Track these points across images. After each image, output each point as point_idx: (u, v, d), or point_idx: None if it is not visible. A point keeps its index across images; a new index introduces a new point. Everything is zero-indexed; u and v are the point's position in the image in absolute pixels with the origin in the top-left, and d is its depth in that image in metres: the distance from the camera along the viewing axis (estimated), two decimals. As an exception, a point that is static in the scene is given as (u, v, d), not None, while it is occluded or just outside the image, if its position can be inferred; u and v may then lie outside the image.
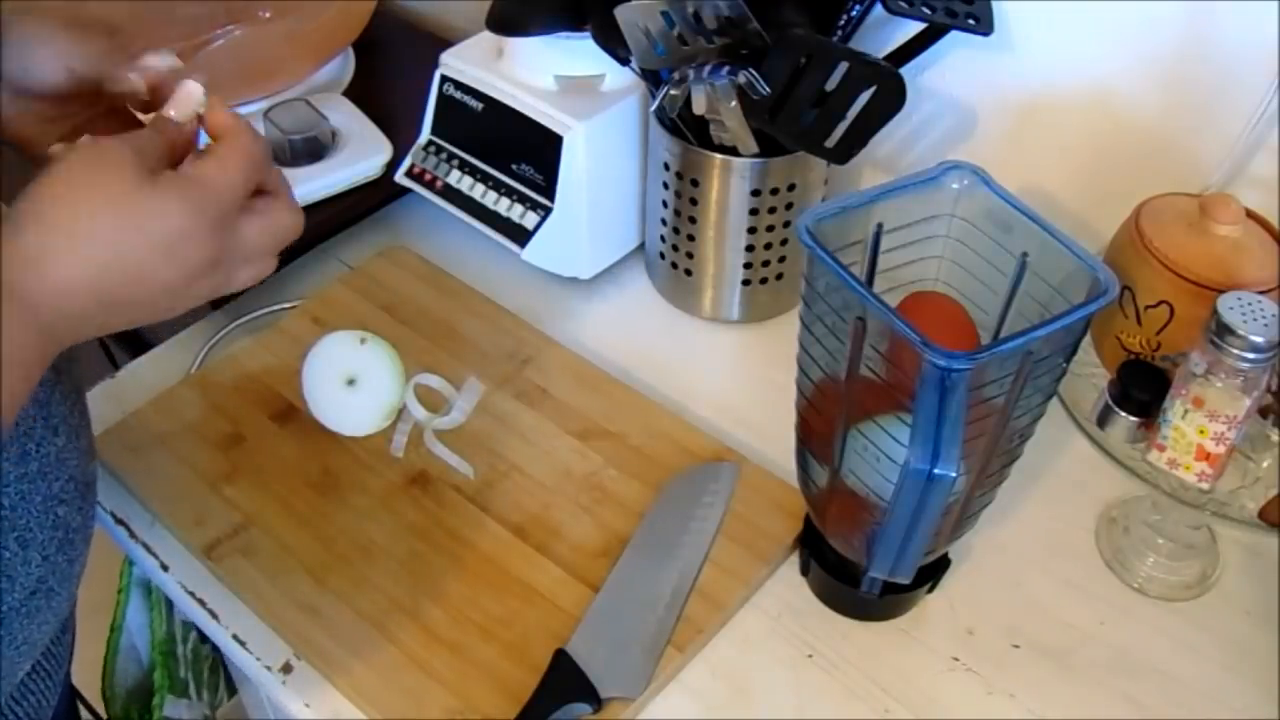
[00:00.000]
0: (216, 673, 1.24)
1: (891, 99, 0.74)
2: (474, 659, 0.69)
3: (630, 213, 0.95)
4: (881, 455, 0.62)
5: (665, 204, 0.89)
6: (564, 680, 0.67)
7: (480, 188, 0.93)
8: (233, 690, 1.22)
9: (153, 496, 0.78)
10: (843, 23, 0.83)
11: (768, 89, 0.76)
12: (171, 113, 0.56)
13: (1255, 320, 0.66)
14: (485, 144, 0.93)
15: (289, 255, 0.96)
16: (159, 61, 0.59)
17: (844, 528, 0.70)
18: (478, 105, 0.92)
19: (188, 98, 0.57)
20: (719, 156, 0.83)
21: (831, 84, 0.75)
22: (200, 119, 0.58)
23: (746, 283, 0.90)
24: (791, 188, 0.85)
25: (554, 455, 0.81)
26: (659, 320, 0.94)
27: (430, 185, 0.96)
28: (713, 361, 0.91)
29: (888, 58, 0.84)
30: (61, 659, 0.71)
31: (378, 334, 0.80)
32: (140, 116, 0.60)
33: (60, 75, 0.60)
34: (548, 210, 0.90)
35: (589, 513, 0.77)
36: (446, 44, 0.96)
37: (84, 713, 1.04)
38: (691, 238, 0.89)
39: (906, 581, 0.68)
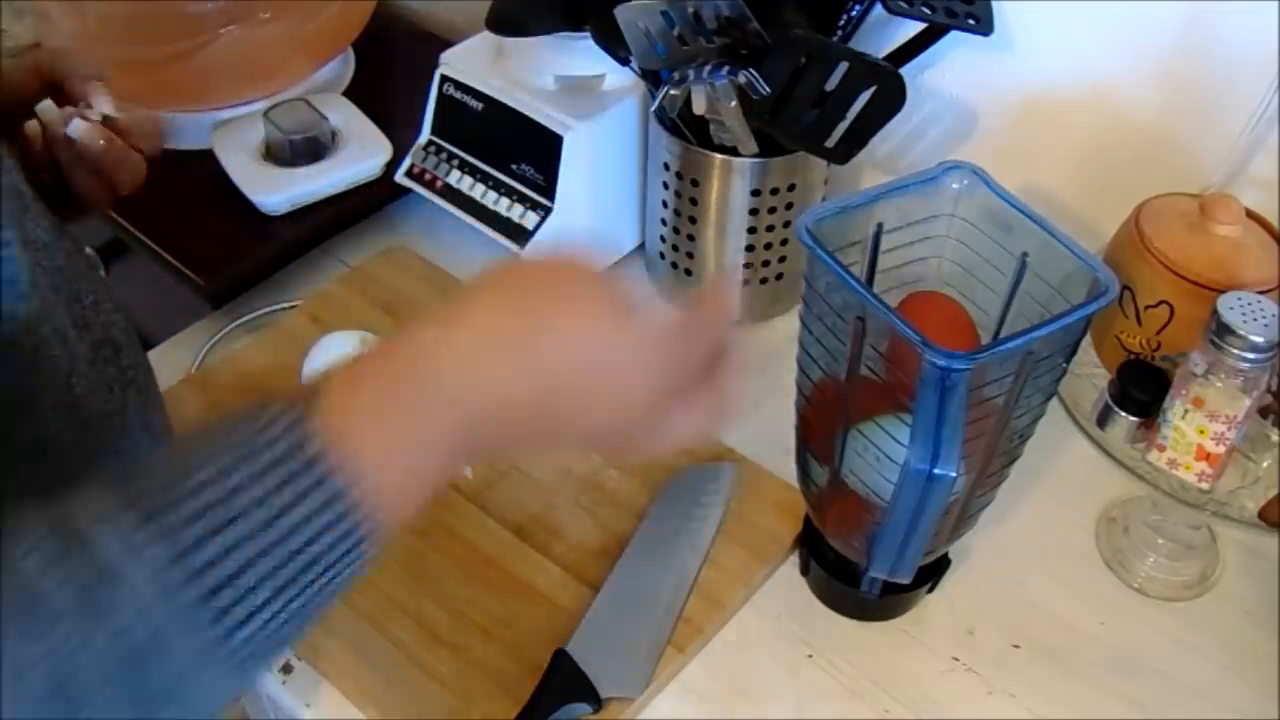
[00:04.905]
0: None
1: (891, 99, 0.74)
2: (474, 659, 0.69)
3: (630, 213, 0.95)
4: (881, 455, 0.62)
5: (665, 204, 0.89)
6: (564, 680, 0.67)
7: (480, 188, 0.93)
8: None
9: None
10: (843, 23, 0.83)
11: (768, 89, 0.76)
12: None
13: (1255, 320, 0.66)
14: (485, 144, 0.93)
15: (290, 254, 0.97)
16: None
17: (844, 528, 0.70)
18: (478, 105, 0.92)
19: None
20: (719, 156, 0.83)
21: (831, 84, 0.75)
22: None
23: (746, 283, 0.90)
24: (791, 188, 0.85)
25: (554, 455, 0.81)
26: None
27: (430, 185, 0.96)
28: (713, 361, 0.91)
29: (888, 58, 0.84)
30: None
31: (378, 334, 0.80)
32: None
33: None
34: (548, 210, 0.90)
35: (589, 513, 0.77)
36: (446, 44, 0.96)
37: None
38: (691, 238, 0.89)
39: (906, 581, 0.68)
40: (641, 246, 0.97)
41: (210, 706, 0.38)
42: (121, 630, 0.34)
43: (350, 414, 0.40)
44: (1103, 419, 0.79)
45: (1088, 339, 0.84)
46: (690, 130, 0.84)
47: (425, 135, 0.97)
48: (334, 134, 1.00)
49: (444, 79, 0.94)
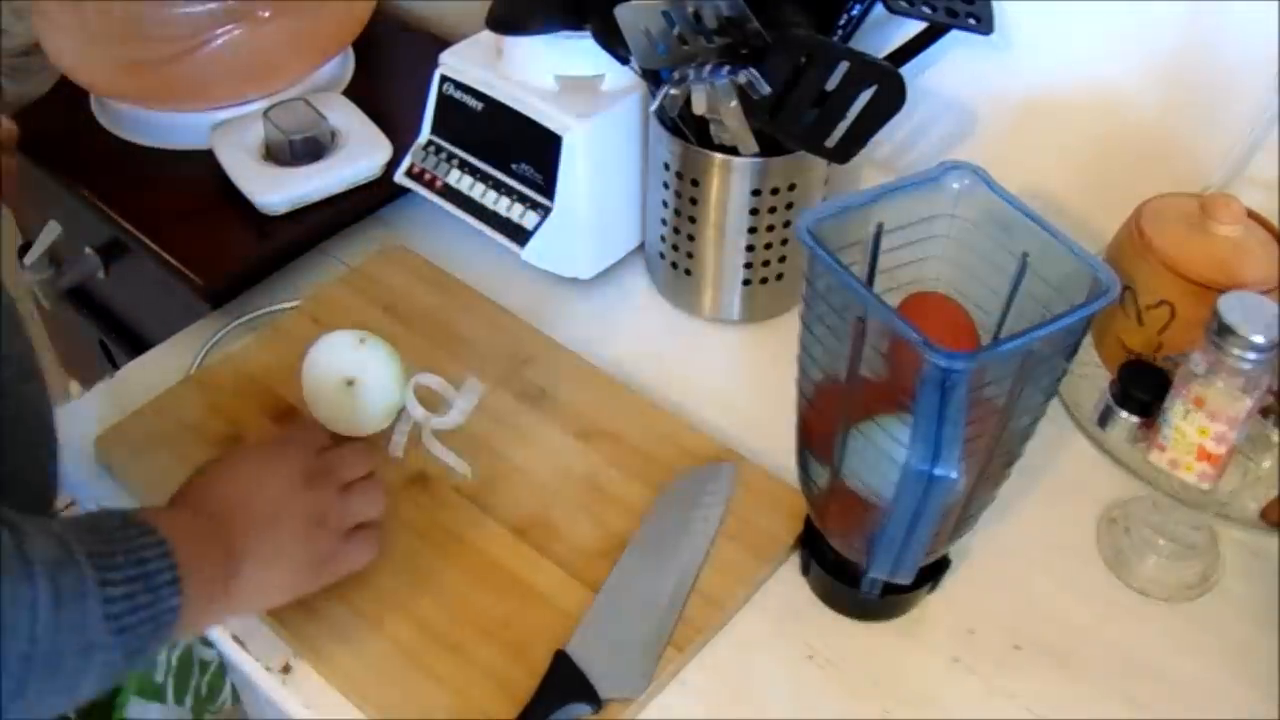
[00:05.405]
0: (221, 676, 1.24)
1: (891, 99, 0.74)
2: (474, 659, 0.69)
3: (630, 213, 0.95)
4: (882, 455, 0.62)
5: (665, 204, 0.89)
6: (564, 681, 0.67)
7: (480, 187, 0.93)
8: (236, 693, 1.22)
9: (153, 497, 0.78)
10: (843, 23, 0.83)
11: (768, 89, 0.76)
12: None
13: (1256, 320, 0.66)
14: (485, 144, 0.93)
15: (290, 254, 0.97)
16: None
17: (844, 528, 0.70)
18: (478, 105, 0.92)
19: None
20: (719, 156, 0.83)
21: (831, 84, 0.75)
22: None
23: (747, 283, 0.90)
24: (791, 188, 0.85)
25: (554, 455, 0.81)
26: (659, 320, 0.94)
27: (430, 185, 0.96)
28: (713, 361, 0.91)
29: (888, 58, 0.84)
30: None
31: (377, 334, 0.80)
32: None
33: None
34: (547, 210, 0.90)
35: (589, 513, 0.77)
36: (446, 44, 0.96)
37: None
38: (691, 238, 0.89)
39: (907, 582, 0.68)
40: (641, 246, 0.97)
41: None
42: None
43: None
44: (1103, 419, 0.78)
45: (1088, 339, 0.84)
46: (690, 130, 0.84)
47: (425, 135, 0.97)
48: (334, 134, 1.00)
49: (444, 79, 0.94)
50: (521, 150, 0.90)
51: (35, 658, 0.50)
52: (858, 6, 0.82)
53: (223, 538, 0.62)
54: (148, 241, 0.95)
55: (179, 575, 0.56)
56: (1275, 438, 0.75)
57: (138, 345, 1.08)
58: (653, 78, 0.81)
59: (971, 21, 0.81)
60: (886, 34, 0.88)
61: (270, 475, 0.66)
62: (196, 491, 0.65)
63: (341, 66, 1.13)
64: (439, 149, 0.96)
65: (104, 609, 0.52)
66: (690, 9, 0.73)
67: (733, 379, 0.90)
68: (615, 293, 0.96)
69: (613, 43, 0.80)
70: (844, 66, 0.74)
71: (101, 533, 0.55)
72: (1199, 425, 0.70)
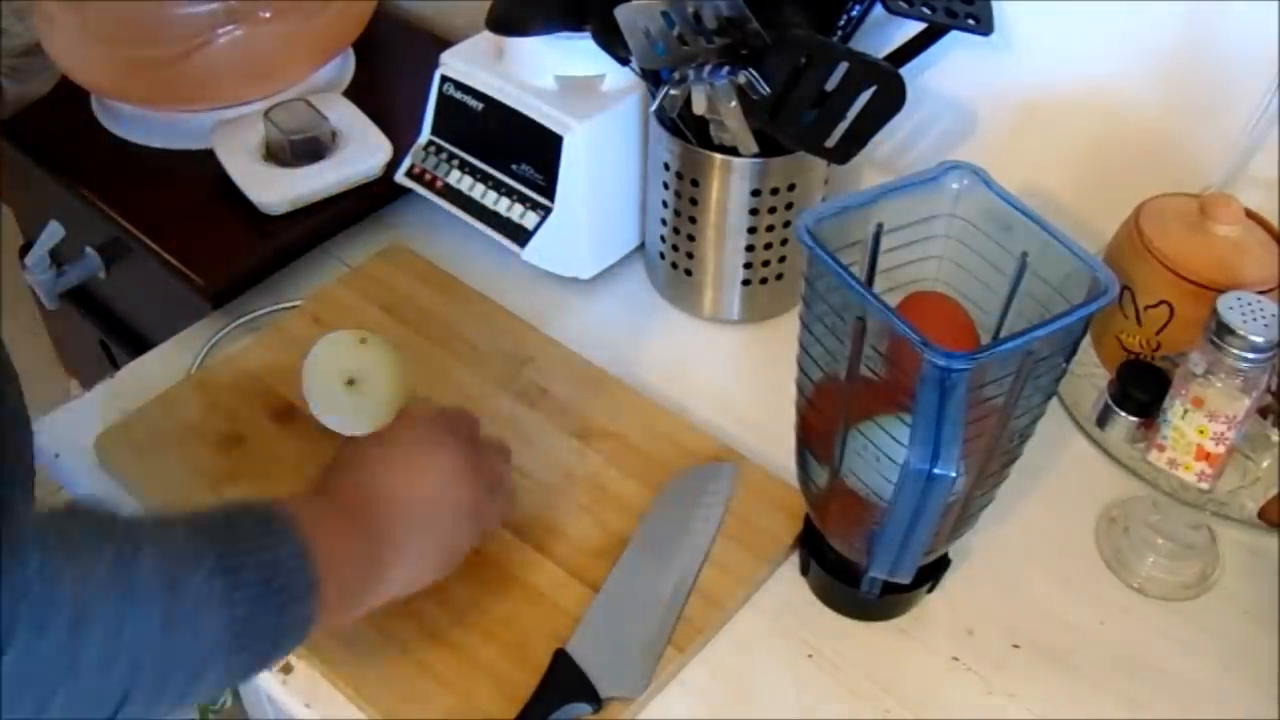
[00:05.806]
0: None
1: (891, 99, 0.74)
2: (474, 659, 0.69)
3: (630, 213, 0.95)
4: (881, 455, 0.62)
5: (665, 204, 0.89)
6: (564, 680, 0.67)
7: (480, 188, 0.93)
8: (237, 692, 1.22)
9: (153, 497, 0.78)
10: (843, 23, 0.83)
11: (768, 89, 0.76)
12: None
13: (1255, 320, 0.66)
14: (485, 144, 0.93)
15: (290, 254, 0.97)
16: None
17: (844, 528, 0.70)
18: (478, 105, 0.92)
19: None
20: (719, 156, 0.83)
21: (831, 84, 0.75)
22: None
23: (746, 283, 0.90)
24: (791, 188, 0.85)
25: (554, 455, 0.81)
26: (659, 320, 0.94)
27: (430, 185, 0.96)
28: (713, 361, 0.91)
29: (888, 58, 0.84)
30: None
31: (378, 334, 0.80)
32: None
33: None
34: (548, 210, 0.90)
35: (589, 513, 0.77)
36: (446, 44, 0.96)
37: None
38: (691, 238, 0.89)
39: (906, 581, 0.68)
40: (641, 246, 0.98)
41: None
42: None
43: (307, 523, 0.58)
44: (1103, 419, 0.79)
45: (1087, 339, 0.84)
46: (690, 130, 0.84)
47: (425, 135, 0.97)
48: (334, 134, 1.00)
49: (444, 79, 0.94)
50: (522, 150, 0.90)
51: (142, 676, 0.48)
52: (858, 7, 0.82)
53: (372, 536, 0.61)
54: (148, 241, 0.95)
55: (312, 579, 0.55)
56: (1274, 437, 0.75)
57: (138, 345, 1.08)
58: (653, 78, 0.82)
59: (971, 22, 0.81)
60: (886, 34, 0.88)
61: (428, 466, 0.66)
62: (347, 475, 0.64)
63: (341, 66, 1.13)
64: (439, 149, 0.96)
65: (229, 616, 0.51)
66: (690, 9, 0.73)
67: (733, 379, 0.90)
68: (615, 293, 0.96)
69: (613, 43, 0.80)
70: (844, 67, 0.74)
71: (237, 532, 0.54)
72: (1198, 425, 0.70)
